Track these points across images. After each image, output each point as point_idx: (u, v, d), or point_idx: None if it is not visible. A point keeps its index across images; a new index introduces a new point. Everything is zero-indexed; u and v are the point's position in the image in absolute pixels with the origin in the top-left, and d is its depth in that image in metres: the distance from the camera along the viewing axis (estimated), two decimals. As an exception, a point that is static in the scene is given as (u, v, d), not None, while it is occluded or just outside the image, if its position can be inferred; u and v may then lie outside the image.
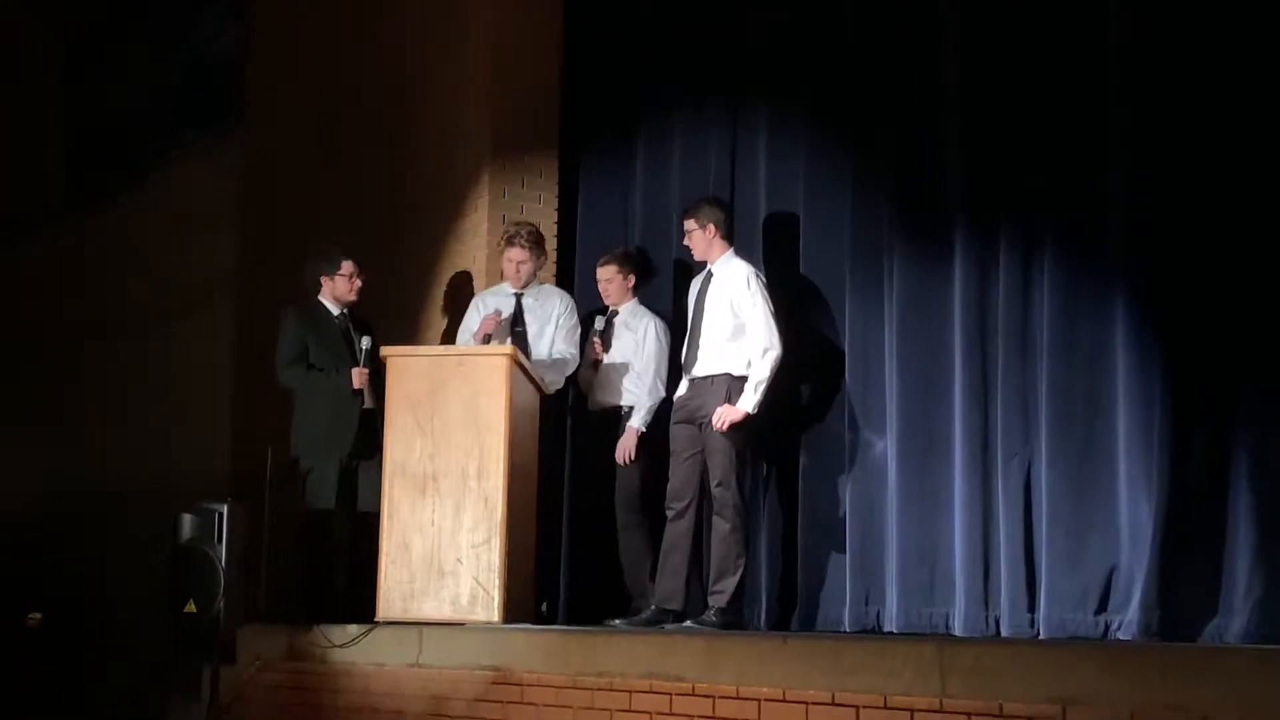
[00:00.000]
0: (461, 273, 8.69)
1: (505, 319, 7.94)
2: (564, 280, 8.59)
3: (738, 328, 7.26)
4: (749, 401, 7.13)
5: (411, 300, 8.69)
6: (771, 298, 7.29)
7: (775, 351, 7.17)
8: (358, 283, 8.16)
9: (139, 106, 12.74)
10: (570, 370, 8.04)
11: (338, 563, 7.73)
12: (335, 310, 8.17)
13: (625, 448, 7.75)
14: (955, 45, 7.09)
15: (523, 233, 8.04)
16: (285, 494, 8.05)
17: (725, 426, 7.11)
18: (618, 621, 7.23)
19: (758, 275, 7.33)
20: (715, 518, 7.23)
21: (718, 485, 7.18)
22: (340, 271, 8.13)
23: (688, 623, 7.10)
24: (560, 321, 8.04)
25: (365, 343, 7.80)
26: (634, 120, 8.70)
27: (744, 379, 7.20)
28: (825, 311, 7.60)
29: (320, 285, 8.18)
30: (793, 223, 7.77)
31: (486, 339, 7.81)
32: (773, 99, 7.98)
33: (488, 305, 8.04)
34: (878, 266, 7.30)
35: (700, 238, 7.44)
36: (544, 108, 8.91)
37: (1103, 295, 6.42)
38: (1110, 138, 6.46)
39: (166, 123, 12.26)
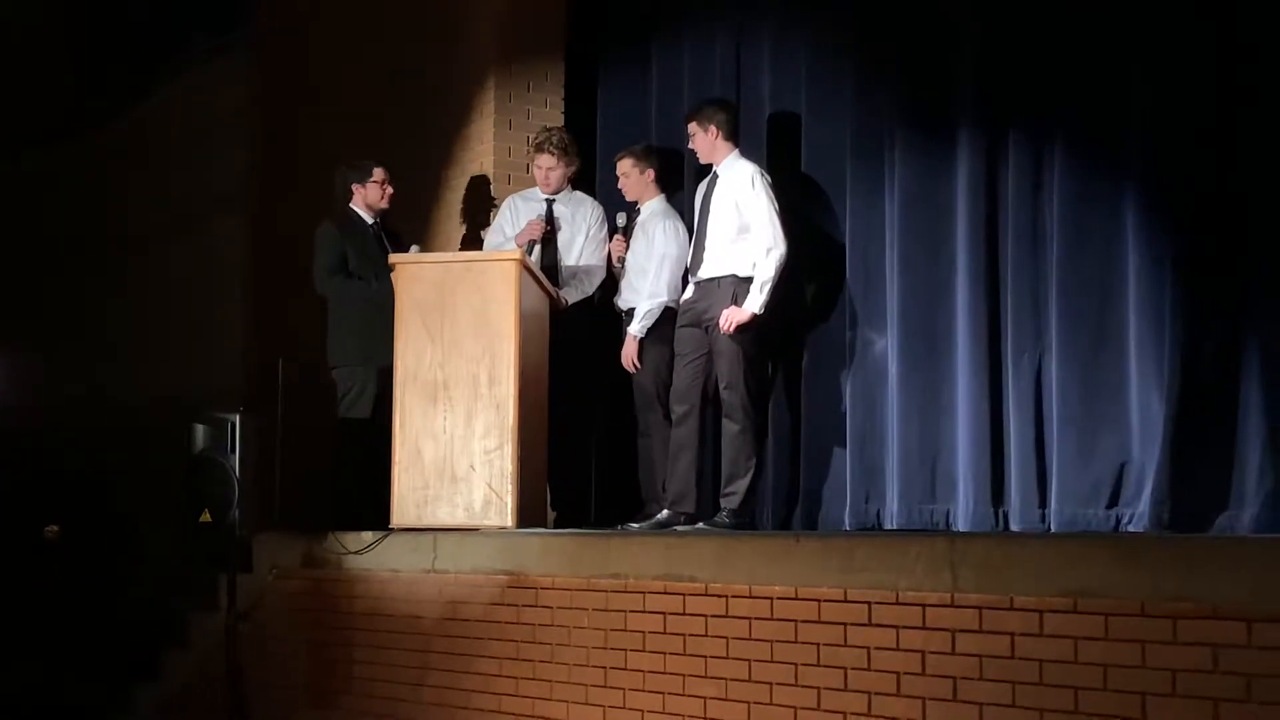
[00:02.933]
0: (479, 176, 8.63)
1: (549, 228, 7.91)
2: (584, 183, 8.54)
3: (742, 228, 7.22)
4: (755, 302, 7.11)
5: (421, 206, 8.65)
6: (776, 197, 7.24)
7: (779, 250, 7.13)
8: (389, 189, 8.17)
9: (151, 13, 12.65)
10: (599, 280, 8.00)
11: (369, 470, 7.72)
12: (369, 218, 8.15)
13: (627, 355, 7.73)
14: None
15: (552, 139, 7.99)
16: (300, 403, 8.08)
17: (732, 329, 7.10)
18: (633, 525, 7.26)
19: (762, 174, 7.28)
20: (724, 420, 7.24)
21: (726, 388, 7.18)
22: (372, 179, 8.14)
23: (700, 524, 7.13)
24: (591, 232, 8.01)
25: (414, 250, 7.73)
26: (642, 21, 8.61)
27: (750, 280, 7.17)
28: (827, 210, 7.56)
29: (352, 194, 8.17)
30: (795, 120, 7.71)
31: (531, 246, 7.74)
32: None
33: (518, 209, 7.99)
34: (879, 163, 7.24)
35: (703, 140, 7.39)
36: (550, 9, 8.82)
37: (1114, 187, 6.38)
38: (1125, 25, 6.38)
39: (178, 30, 12.18)
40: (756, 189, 7.20)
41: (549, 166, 7.95)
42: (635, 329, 7.68)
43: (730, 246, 7.26)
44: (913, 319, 7.01)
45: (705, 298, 7.32)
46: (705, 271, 7.34)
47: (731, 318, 7.09)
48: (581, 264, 7.97)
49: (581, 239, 7.98)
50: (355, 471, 7.84)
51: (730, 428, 7.20)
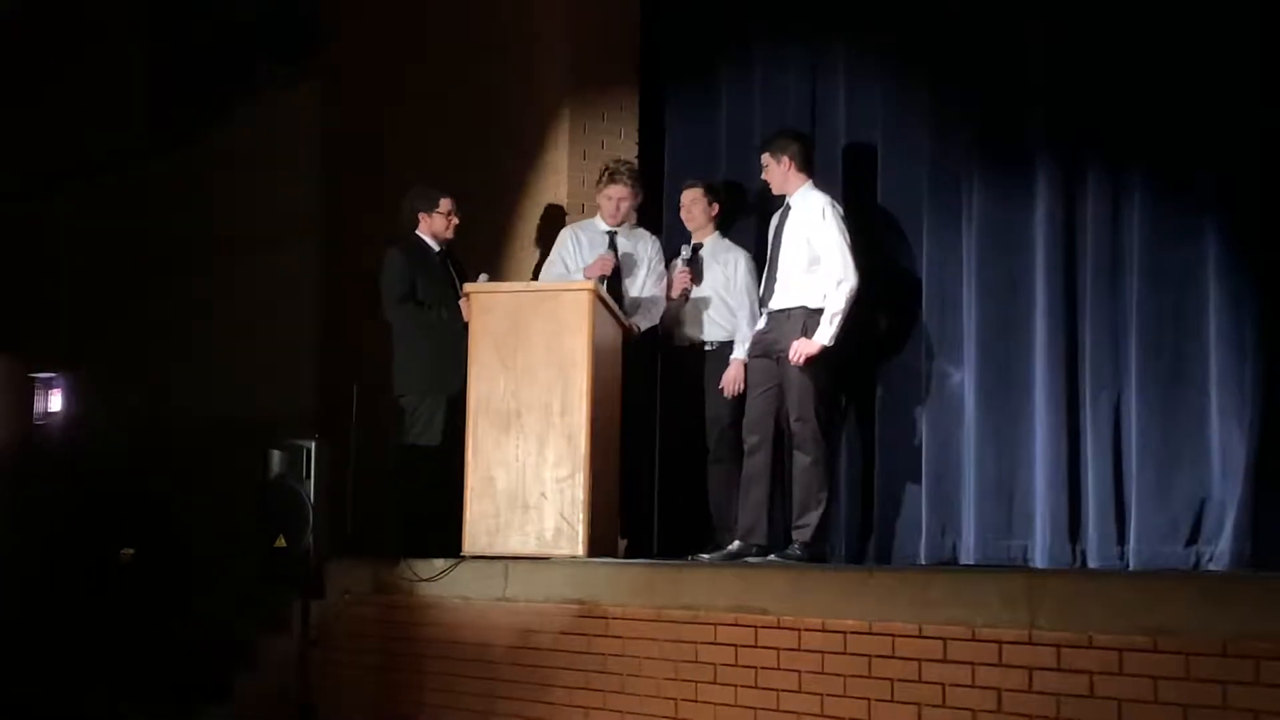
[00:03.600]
0: (553, 206, 8.65)
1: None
2: (648, 214, 8.55)
3: (813, 260, 7.19)
4: (825, 334, 7.08)
5: (494, 236, 8.69)
6: (849, 228, 7.21)
7: (850, 283, 7.09)
8: (455, 220, 8.19)
9: (222, 42, 12.78)
10: (660, 312, 8.00)
11: (437, 497, 7.73)
12: (435, 246, 8.18)
13: (732, 379, 7.68)
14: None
15: (624, 169, 8.02)
16: (370, 430, 8.11)
17: (801, 360, 7.08)
18: (704, 556, 7.24)
19: (834, 206, 7.25)
20: (795, 452, 7.20)
21: (797, 420, 7.15)
22: (439, 209, 8.16)
23: (772, 556, 7.10)
24: (651, 264, 8.02)
25: (483, 279, 7.75)
26: (715, 53, 8.61)
27: (820, 312, 7.14)
28: (903, 241, 7.52)
29: (418, 222, 8.20)
30: (871, 151, 7.68)
31: (602, 280, 7.73)
32: (853, 25, 7.88)
33: (580, 241, 8.00)
34: (956, 195, 7.21)
35: (776, 170, 7.39)
36: (624, 41, 8.83)
37: (1193, 221, 6.33)
38: (1202, 60, 6.33)
39: (249, 58, 12.30)
40: (828, 220, 7.18)
41: (620, 197, 7.97)
42: (741, 354, 7.70)
43: (802, 278, 7.24)
44: (990, 352, 6.97)
45: (776, 329, 7.30)
46: (776, 302, 7.33)
47: (801, 350, 7.06)
48: (645, 295, 7.96)
49: (643, 270, 7.99)
50: (422, 498, 7.85)
51: (801, 460, 7.17)
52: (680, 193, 8.07)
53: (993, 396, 6.95)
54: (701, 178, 8.10)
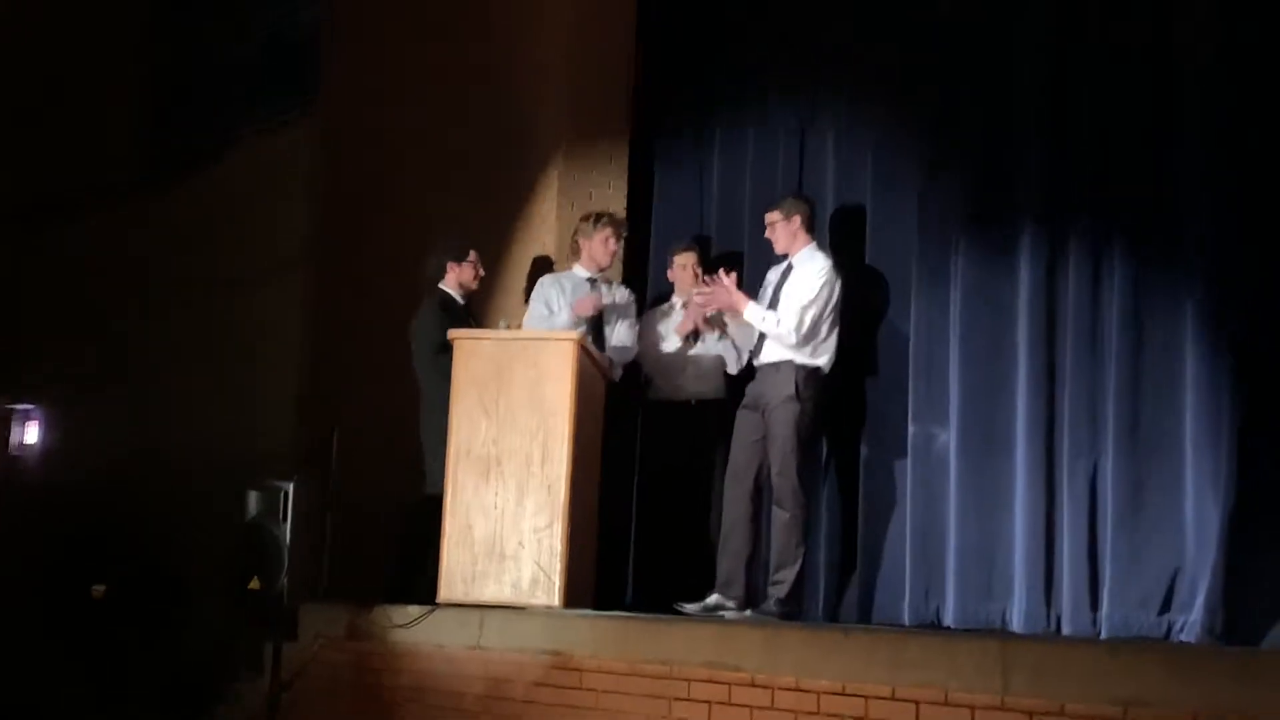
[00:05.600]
0: (541, 257, 8.69)
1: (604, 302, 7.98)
2: (636, 266, 8.60)
3: None
4: (755, 313, 7.31)
5: (483, 283, 8.72)
6: (839, 300, 7.33)
7: (789, 339, 7.23)
8: (481, 272, 8.22)
9: (221, 79, 12.83)
10: (629, 359, 8.05)
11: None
12: (459, 298, 8.20)
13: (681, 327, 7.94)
14: (1031, 38, 7.06)
15: (616, 219, 8.12)
16: (351, 472, 8.09)
17: (710, 308, 7.55)
18: (687, 607, 7.25)
19: (835, 273, 7.34)
20: (774, 507, 7.25)
21: (777, 474, 7.20)
22: (468, 259, 8.18)
23: (748, 612, 7.11)
24: (627, 314, 8.09)
25: (503, 325, 7.76)
26: (706, 109, 8.70)
27: (808, 367, 7.21)
28: (890, 303, 7.59)
29: (445, 273, 8.21)
30: (860, 213, 7.77)
31: (581, 321, 7.80)
32: (844, 89, 7.99)
33: (565, 289, 7.99)
34: (945, 259, 7.29)
35: (784, 229, 7.47)
36: (616, 94, 8.91)
37: (1173, 294, 6.41)
38: (1186, 136, 6.43)
39: (247, 96, 12.35)
40: (822, 280, 7.28)
41: (615, 250, 8.09)
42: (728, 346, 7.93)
43: None
44: (974, 415, 7.03)
45: (763, 381, 7.36)
46: (766, 356, 7.39)
47: (718, 299, 7.43)
48: (618, 342, 8.01)
49: (616, 319, 8.04)
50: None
51: (780, 515, 7.21)
52: (672, 253, 8.16)
53: (976, 459, 7.00)
54: (695, 239, 8.20)
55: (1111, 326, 6.57)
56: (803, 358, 7.26)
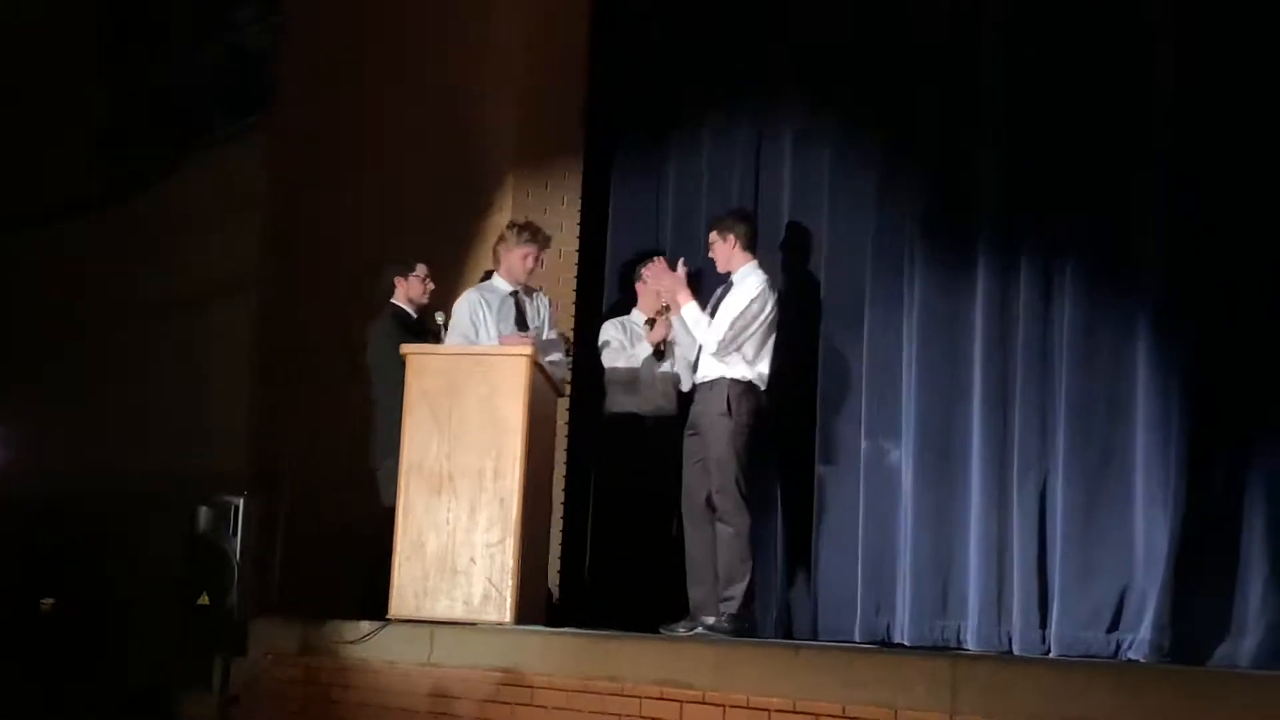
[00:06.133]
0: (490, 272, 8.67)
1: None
2: (591, 282, 8.59)
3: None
4: (692, 311, 7.36)
5: (437, 297, 8.70)
6: (775, 317, 7.34)
7: (711, 343, 7.26)
8: (431, 285, 8.18)
9: (173, 96, 12.78)
10: (563, 367, 8.01)
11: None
12: (411, 312, 8.17)
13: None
14: (990, 59, 7.08)
15: (538, 230, 7.94)
16: (301, 488, 8.06)
17: (657, 287, 7.67)
18: (679, 628, 7.22)
19: (770, 289, 7.36)
20: (718, 524, 7.25)
21: (717, 491, 7.21)
22: (415, 273, 8.16)
23: (698, 629, 7.11)
24: (549, 322, 8.00)
25: (440, 317, 7.75)
26: (661, 124, 8.72)
27: (741, 382, 7.24)
28: (845, 319, 7.61)
29: (394, 289, 8.19)
30: (815, 228, 7.80)
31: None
32: (800, 104, 8.01)
33: (490, 304, 7.80)
34: (899, 275, 7.31)
35: (722, 249, 7.47)
36: (569, 110, 8.93)
37: (1124, 311, 6.44)
38: (1137, 153, 6.47)
39: (199, 113, 12.31)
40: (753, 294, 7.29)
41: (536, 256, 7.88)
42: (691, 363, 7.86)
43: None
44: (927, 432, 7.04)
45: (700, 401, 7.39)
46: (701, 374, 7.42)
47: (667, 282, 7.52)
48: (547, 356, 7.90)
49: (545, 330, 7.94)
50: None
51: (724, 530, 7.21)
52: (640, 267, 8.13)
53: (930, 476, 7.01)
54: (657, 255, 8.17)
55: (1062, 342, 6.60)
56: (735, 373, 7.27)
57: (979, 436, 6.83)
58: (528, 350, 7.25)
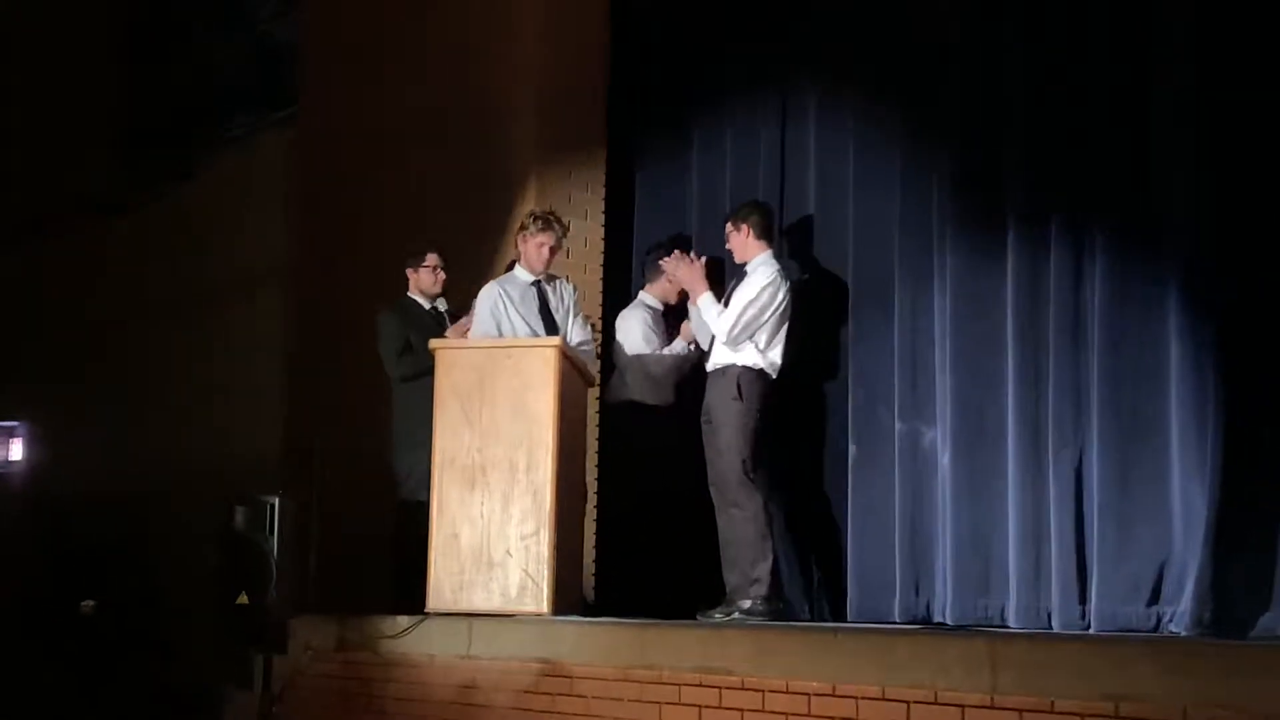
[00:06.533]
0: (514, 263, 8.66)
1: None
2: (618, 269, 8.58)
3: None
4: (707, 301, 7.52)
5: (462, 294, 8.71)
6: (789, 304, 7.41)
7: (723, 333, 7.35)
8: (442, 275, 8.22)
9: (196, 94, 12.83)
10: (592, 354, 8.01)
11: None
12: (425, 304, 8.18)
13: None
14: (1013, 33, 7.04)
15: (550, 216, 7.91)
16: (335, 483, 8.07)
17: (674, 276, 7.83)
18: (716, 614, 7.25)
19: (782, 276, 7.39)
20: (731, 509, 7.33)
21: (727, 476, 7.30)
22: (425, 264, 8.19)
23: (735, 615, 7.12)
24: (575, 309, 7.96)
25: (442, 305, 7.80)
26: (684, 109, 8.71)
27: (752, 369, 7.29)
28: (875, 301, 7.59)
29: (407, 280, 8.19)
30: (844, 213, 7.77)
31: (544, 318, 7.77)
32: (823, 88, 7.99)
33: (511, 296, 7.76)
34: (929, 257, 7.29)
35: (737, 239, 7.55)
36: (590, 99, 8.92)
37: (1156, 284, 6.38)
38: (1167, 127, 6.41)
39: (223, 111, 12.36)
40: (764, 282, 7.36)
41: (551, 245, 7.82)
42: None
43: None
44: (962, 411, 7.01)
45: (711, 389, 7.47)
46: (712, 362, 7.49)
47: (684, 274, 7.67)
48: (573, 341, 7.84)
49: (570, 318, 7.92)
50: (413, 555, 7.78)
51: (737, 514, 7.30)
52: (655, 257, 8.20)
53: (967, 456, 6.98)
54: (676, 241, 8.21)
55: (1094, 318, 6.56)
56: (746, 360, 7.32)
57: (1013, 415, 6.80)
58: (556, 341, 7.25)
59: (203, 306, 11.80)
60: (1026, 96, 6.93)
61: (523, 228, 7.86)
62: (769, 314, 7.36)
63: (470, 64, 9.29)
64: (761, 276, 7.41)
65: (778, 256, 7.59)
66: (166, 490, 11.29)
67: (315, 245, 10.33)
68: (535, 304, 7.80)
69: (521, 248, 7.87)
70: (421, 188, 9.40)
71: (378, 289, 8.63)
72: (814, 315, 7.69)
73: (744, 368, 7.34)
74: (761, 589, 7.15)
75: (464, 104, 9.27)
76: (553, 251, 7.84)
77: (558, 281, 8.00)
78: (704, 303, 7.53)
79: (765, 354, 7.38)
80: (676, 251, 7.90)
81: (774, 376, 7.42)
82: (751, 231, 7.50)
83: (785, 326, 7.45)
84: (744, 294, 7.38)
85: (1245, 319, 6.10)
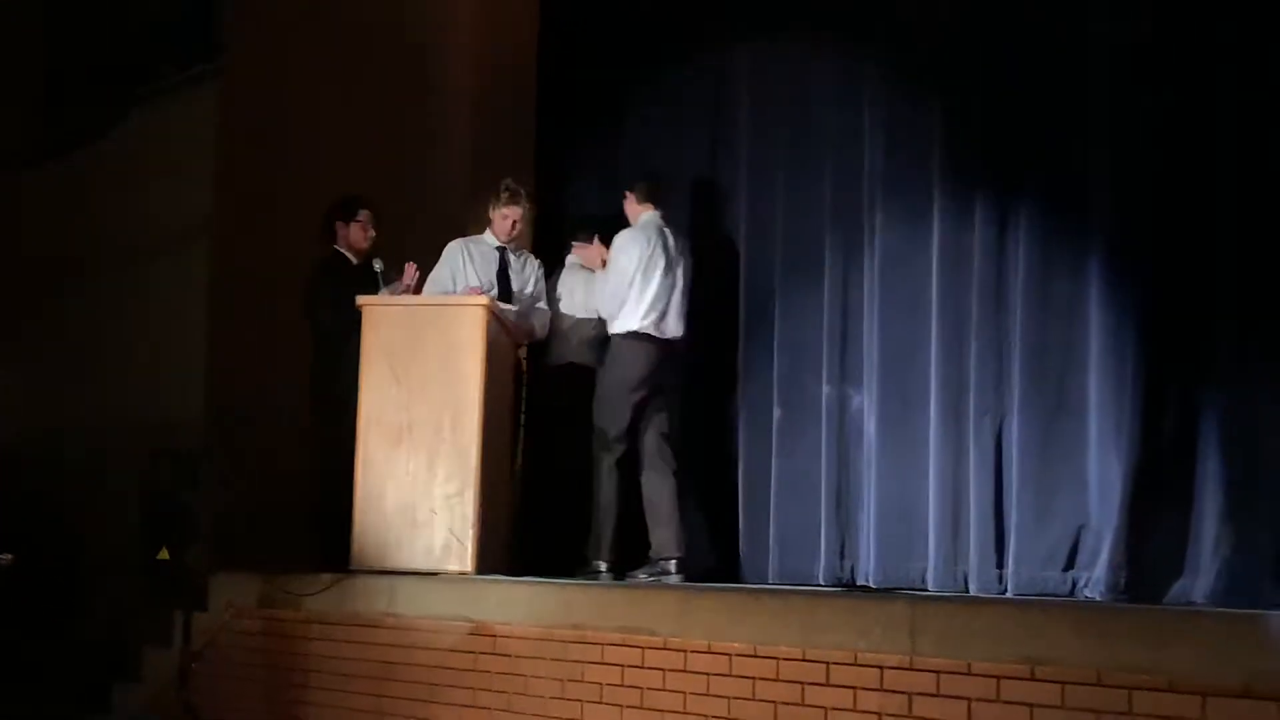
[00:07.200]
0: (449, 221, 8.63)
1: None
2: (545, 236, 8.58)
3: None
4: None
5: (387, 249, 8.66)
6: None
7: (602, 310, 7.61)
8: (371, 232, 8.13)
9: (119, 46, 12.63)
10: (547, 322, 8.02)
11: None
12: (354, 259, 8.12)
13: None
14: (937, 3, 7.08)
15: (523, 190, 8.00)
16: (261, 439, 8.02)
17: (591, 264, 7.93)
18: (640, 574, 7.30)
19: (643, 232, 7.49)
20: (648, 470, 7.42)
21: (597, 433, 7.46)
22: (356, 218, 8.11)
23: (641, 575, 7.17)
24: (536, 282, 8.03)
25: (378, 265, 7.76)
26: (615, 91, 8.71)
27: (627, 333, 7.42)
28: (804, 267, 7.61)
29: (335, 233, 8.14)
30: (773, 179, 7.78)
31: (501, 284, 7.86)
32: (754, 57, 7.98)
33: (472, 255, 7.84)
34: (858, 221, 7.33)
35: (627, 205, 7.69)
36: (524, 65, 8.94)
37: (1078, 253, 6.48)
38: (1090, 95, 6.48)
39: (146, 63, 12.18)
40: (623, 246, 7.49)
41: (517, 217, 7.90)
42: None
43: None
44: (889, 377, 7.09)
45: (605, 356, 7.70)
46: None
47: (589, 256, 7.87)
48: (538, 311, 7.99)
49: (530, 288, 7.99)
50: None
51: (653, 477, 7.37)
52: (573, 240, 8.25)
53: (892, 421, 7.07)
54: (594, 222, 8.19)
55: (1016, 286, 6.64)
56: (624, 327, 7.41)
57: (936, 383, 6.88)
58: (484, 301, 7.25)
59: (127, 262, 11.65)
60: (956, 67, 6.97)
61: (494, 197, 7.95)
62: (633, 273, 7.39)
63: (403, 17, 9.21)
64: (617, 243, 7.50)
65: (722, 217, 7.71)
66: (89, 446, 11.17)
67: (240, 200, 10.22)
68: (495, 266, 7.88)
69: (491, 215, 7.95)
70: (350, 144, 9.32)
71: (301, 242, 8.54)
72: (740, 282, 7.74)
73: (620, 335, 7.43)
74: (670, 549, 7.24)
75: (395, 59, 9.19)
76: (515, 225, 7.91)
77: (525, 255, 8.08)
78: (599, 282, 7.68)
79: (641, 313, 7.40)
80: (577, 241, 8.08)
81: (661, 335, 7.44)
82: (634, 196, 7.61)
83: (666, 280, 7.44)
84: (608, 267, 7.52)
85: (1166, 293, 6.20)
